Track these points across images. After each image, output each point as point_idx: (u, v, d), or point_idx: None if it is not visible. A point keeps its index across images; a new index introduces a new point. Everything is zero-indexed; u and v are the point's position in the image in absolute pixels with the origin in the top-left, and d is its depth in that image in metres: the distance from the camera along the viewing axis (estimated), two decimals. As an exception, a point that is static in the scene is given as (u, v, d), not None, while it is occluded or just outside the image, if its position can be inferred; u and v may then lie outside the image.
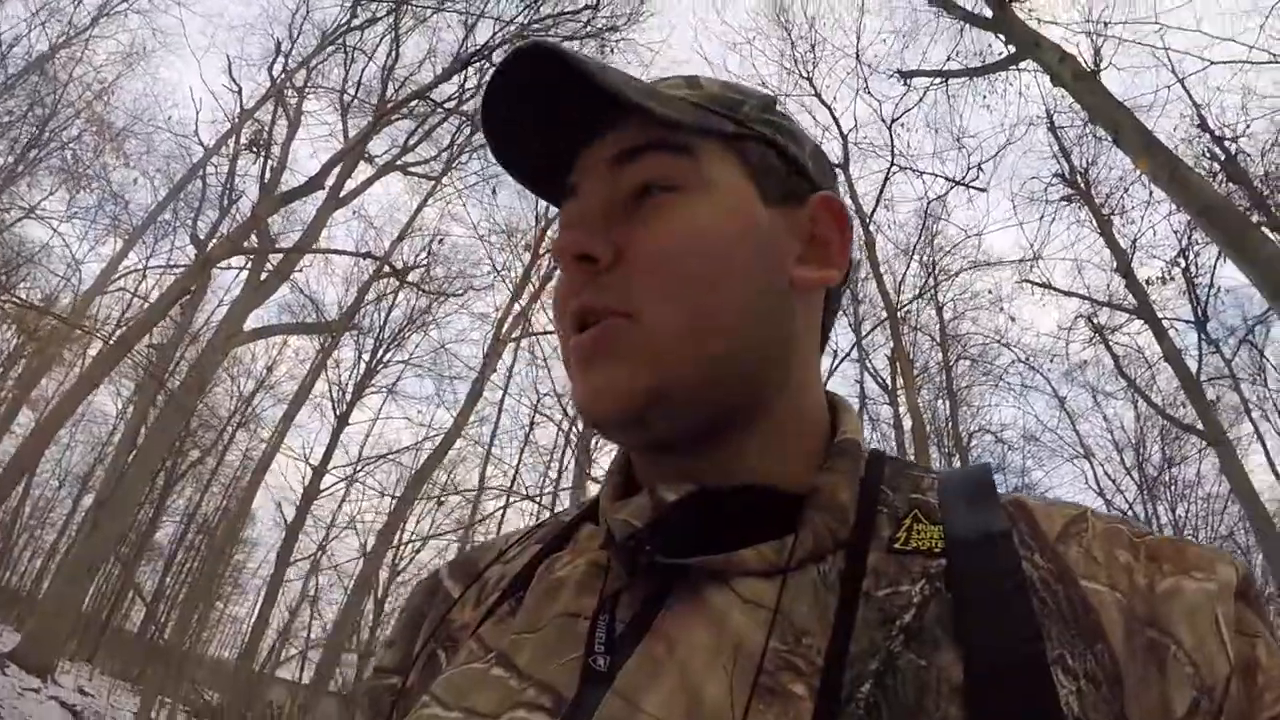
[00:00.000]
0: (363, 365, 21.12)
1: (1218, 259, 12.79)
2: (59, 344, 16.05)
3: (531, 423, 19.29)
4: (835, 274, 0.68)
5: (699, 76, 0.69)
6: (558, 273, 0.66)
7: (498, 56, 14.91)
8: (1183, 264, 13.56)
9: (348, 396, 20.97)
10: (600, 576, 0.61)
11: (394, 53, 15.78)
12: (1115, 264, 13.90)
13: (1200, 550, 0.56)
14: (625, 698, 0.51)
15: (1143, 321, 13.61)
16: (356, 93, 15.91)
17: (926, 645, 0.51)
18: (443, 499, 20.78)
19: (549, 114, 0.64)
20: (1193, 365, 12.82)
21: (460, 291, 19.17)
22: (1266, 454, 16.29)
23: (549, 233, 16.38)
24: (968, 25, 12.11)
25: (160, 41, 16.32)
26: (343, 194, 15.96)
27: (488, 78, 0.60)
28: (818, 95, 14.41)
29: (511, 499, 17.48)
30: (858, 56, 14.06)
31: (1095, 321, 15.19)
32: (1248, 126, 12.98)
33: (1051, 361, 16.80)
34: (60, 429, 15.81)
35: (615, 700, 0.51)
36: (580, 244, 0.60)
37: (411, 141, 16.35)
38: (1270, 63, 10.69)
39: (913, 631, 0.52)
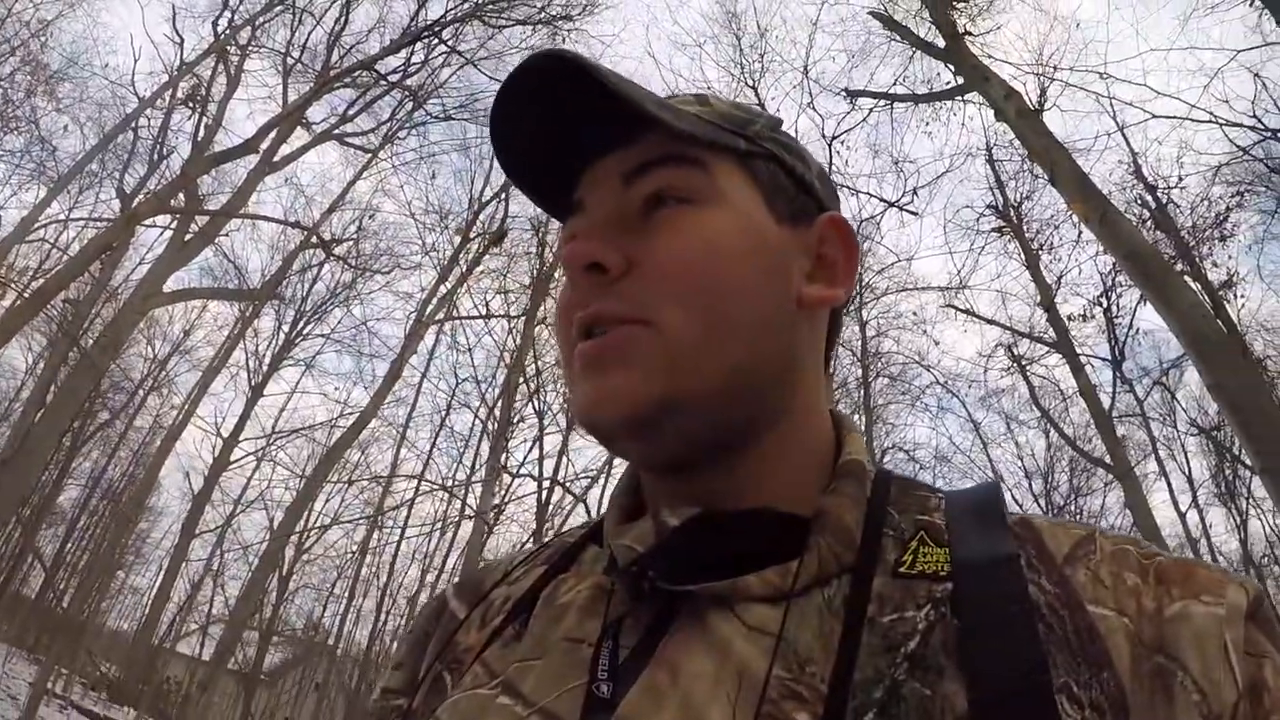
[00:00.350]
0: (282, 336, 21.01)
1: (1139, 302, 13.23)
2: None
3: (448, 408, 19.33)
4: (841, 293, 0.69)
5: (709, 95, 0.70)
6: (560, 282, 0.66)
7: (448, 34, 14.84)
8: (1104, 304, 14.07)
9: (264, 367, 20.84)
10: (604, 601, 0.61)
11: (343, 18, 15.51)
12: (1039, 298, 14.35)
13: (1210, 572, 0.55)
14: None
15: (1061, 355, 14.06)
16: (300, 56, 15.63)
17: (931, 673, 0.51)
18: (353, 480, 20.68)
19: (560, 123, 0.65)
20: (1106, 401, 13.36)
21: (387, 269, 19.02)
22: (1170, 491, 17.24)
23: (480, 217, 16.39)
24: (919, 52, 12.45)
25: (105, -16, 15.88)
26: (276, 159, 15.69)
27: (500, 80, 0.62)
28: (762, 105, 14.65)
29: (422, 486, 17.44)
30: (806, 71, 14.15)
31: (1015, 351, 15.67)
32: (1180, 180, 13.58)
33: (969, 386, 17.46)
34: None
35: None
36: (591, 253, 0.60)
37: (351, 112, 16.15)
38: (1208, 122, 11.21)
39: (917, 659, 0.52)
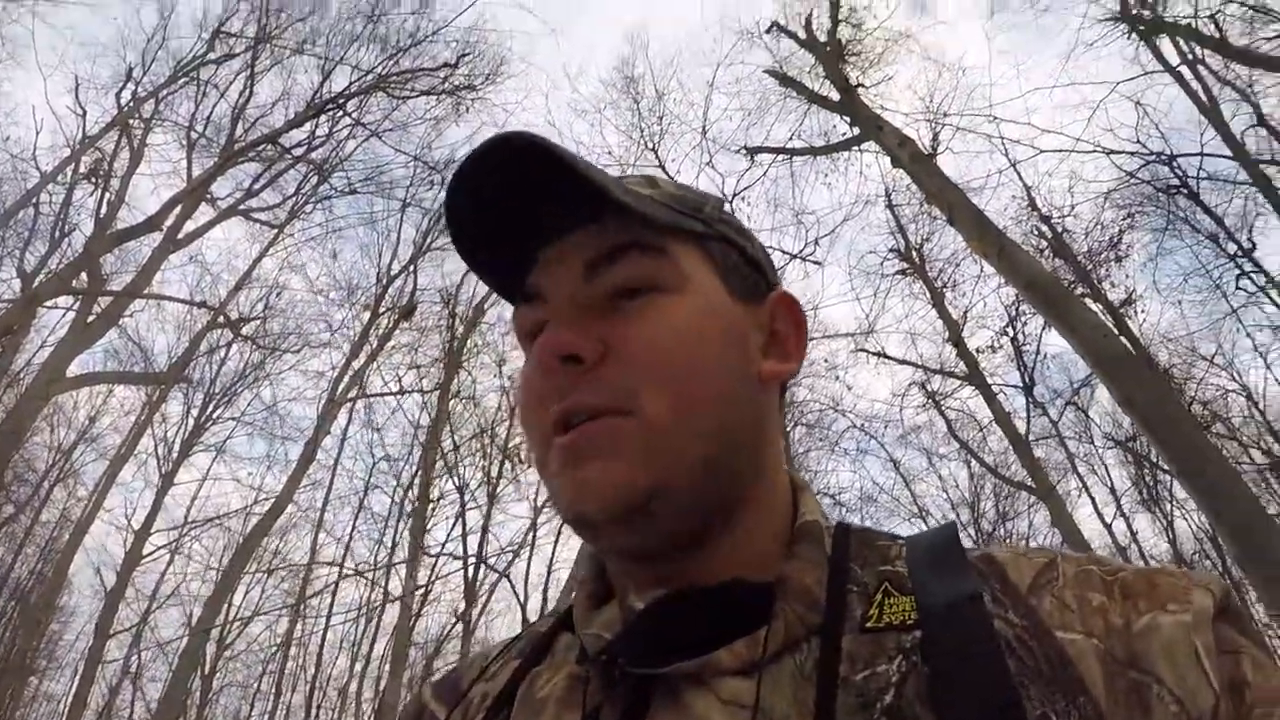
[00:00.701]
0: (191, 421, 20.49)
1: (1043, 328, 13.90)
2: None
3: (366, 489, 19.20)
4: (795, 366, 0.73)
5: (655, 177, 0.72)
6: (525, 371, 0.67)
7: (352, 106, 15.11)
8: (1011, 333, 14.78)
9: (174, 454, 20.30)
10: (580, 690, 0.62)
11: (248, 91, 15.63)
12: (947, 334, 14.91)
13: (1173, 579, 0.57)
14: None
15: (973, 387, 14.59)
16: (205, 130, 15.72)
17: None
18: (272, 569, 20.24)
19: (519, 202, 0.66)
20: (1021, 426, 13.84)
21: (296, 348, 18.91)
22: (1094, 504, 17.79)
23: (389, 291, 16.49)
24: (814, 106, 13.09)
25: (7, 52, 15.77)
26: (180, 236, 15.61)
27: (458, 160, 0.64)
28: (662, 167, 15.04)
29: (343, 573, 17.16)
30: (704, 131, 14.68)
31: (928, 388, 16.16)
32: (1073, 208, 14.34)
33: (886, 427, 17.61)
34: None
35: None
36: (570, 343, 0.61)
37: (256, 186, 16.18)
38: (1094, 152, 11.98)
39: (894, 712, 0.52)
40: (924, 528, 0.68)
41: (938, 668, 0.54)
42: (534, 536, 16.09)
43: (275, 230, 17.23)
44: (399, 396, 17.14)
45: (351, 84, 15.09)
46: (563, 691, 0.63)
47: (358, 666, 20.11)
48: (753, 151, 13.82)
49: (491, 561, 14.94)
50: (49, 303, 13.86)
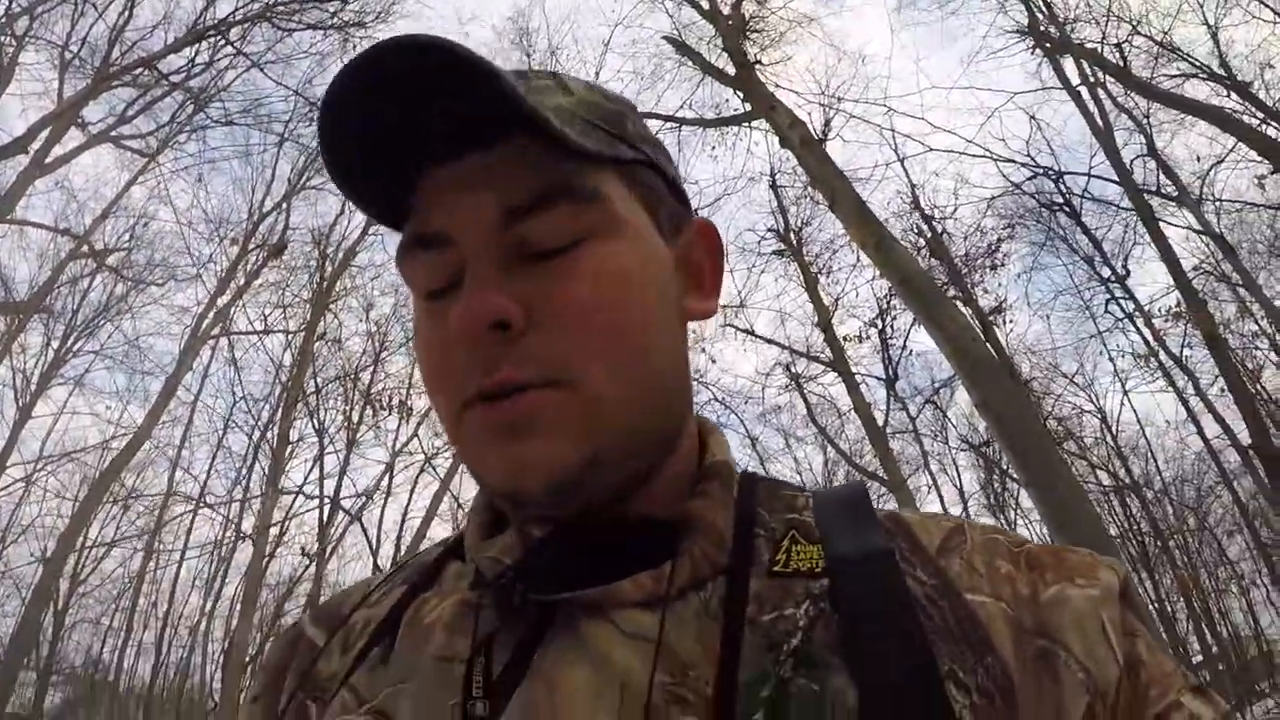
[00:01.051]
0: (51, 353, 19.95)
1: (912, 325, 14.33)
2: None
3: (226, 428, 19.14)
4: (715, 304, 0.69)
5: (562, 75, 0.66)
6: (432, 330, 0.61)
7: (235, 34, 14.79)
8: (879, 325, 15.23)
9: (33, 386, 19.78)
10: (471, 617, 0.59)
11: (127, 12, 15.11)
12: (817, 319, 15.26)
13: (1079, 557, 0.58)
14: None
15: (837, 374, 14.91)
16: (79, 51, 15.24)
17: (818, 669, 0.51)
18: (128, 504, 20.08)
19: (404, 116, 0.59)
20: (880, 418, 14.32)
21: (161, 281, 18.64)
22: (941, 502, 18.94)
23: (260, 228, 16.42)
24: (708, 78, 13.15)
25: None
26: (48, 160, 15.12)
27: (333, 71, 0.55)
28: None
29: (199, 506, 17.23)
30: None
31: (793, 370, 16.57)
32: (955, 210, 15.13)
33: (747, 404, 18.04)
34: None
35: None
36: (498, 309, 0.55)
37: (130, 113, 15.82)
38: (984, 157, 12.58)
39: (802, 655, 0.52)
40: None
41: (849, 616, 0.54)
42: (389, 483, 16.42)
43: (147, 159, 16.91)
44: (263, 335, 17.19)
45: (236, 11, 14.68)
46: (452, 617, 0.61)
47: (209, 605, 20.15)
48: (642, 116, 13.91)
49: (346, 505, 15.07)
50: None
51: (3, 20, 14.56)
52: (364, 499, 15.61)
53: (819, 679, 0.51)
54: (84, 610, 21.12)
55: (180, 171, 17.63)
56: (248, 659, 14.19)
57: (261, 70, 15.49)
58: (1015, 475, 10.18)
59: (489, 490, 0.62)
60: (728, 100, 13.70)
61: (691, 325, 0.70)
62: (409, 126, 0.59)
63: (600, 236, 0.59)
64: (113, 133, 16.09)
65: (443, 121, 0.59)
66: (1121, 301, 15.40)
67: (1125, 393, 18.02)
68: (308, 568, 15.94)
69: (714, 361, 18.53)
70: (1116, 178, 12.93)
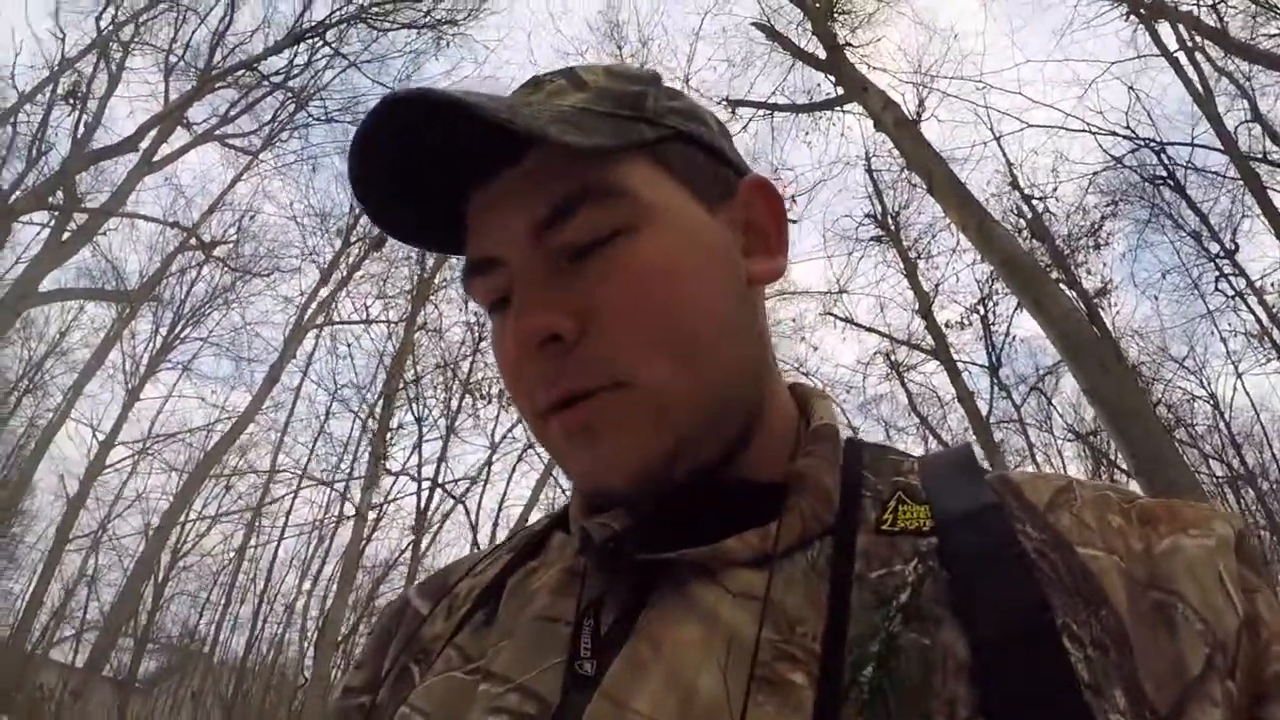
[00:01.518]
0: (159, 339, 21.03)
1: (1015, 309, 13.91)
2: None
3: (328, 413, 19.78)
4: (783, 260, 0.69)
5: (577, 70, 0.66)
6: (501, 345, 0.63)
7: (332, 35, 15.35)
8: (981, 311, 14.75)
9: (141, 370, 20.88)
10: (577, 583, 0.61)
11: (228, 18, 15.79)
12: (917, 305, 14.98)
13: (1194, 509, 0.57)
14: (613, 700, 0.51)
15: (939, 362, 14.70)
16: (184, 55, 15.91)
17: (928, 623, 0.51)
18: (231, 483, 21.02)
19: (431, 159, 0.62)
20: (983, 407, 13.94)
21: (267, 272, 19.42)
22: None
23: (361, 220, 16.67)
24: (799, 63, 13.06)
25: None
26: (156, 159, 16.06)
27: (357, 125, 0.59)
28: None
29: (304, 484, 17.97)
30: (687, 80, 14.63)
31: (893, 359, 16.34)
32: (1055, 189, 14.47)
33: (848, 393, 17.79)
34: None
35: (602, 703, 0.51)
36: (545, 326, 0.57)
37: (233, 113, 16.55)
38: (1083, 131, 12.00)
39: (911, 611, 0.52)
40: None
41: (959, 570, 0.54)
42: (489, 471, 16.80)
43: (250, 156, 17.63)
44: (366, 325, 17.67)
45: (332, 13, 15.31)
46: (557, 583, 0.63)
47: (306, 584, 21.00)
48: (734, 104, 13.72)
49: (448, 487, 15.48)
50: (24, 218, 14.35)
51: (110, 28, 15.31)
52: (466, 483, 16.05)
53: (929, 633, 0.51)
54: (183, 583, 22.18)
55: (283, 167, 18.46)
56: (340, 638, 14.71)
57: (358, 69, 16.14)
58: (1124, 465, 9.68)
59: (578, 488, 0.65)
60: (819, 85, 13.55)
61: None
62: (442, 157, 0.63)
63: (632, 229, 0.60)
64: (217, 132, 16.79)
65: (474, 143, 0.61)
66: (1231, 279, 14.56)
67: (1238, 376, 17.10)
68: (404, 551, 16.38)
69: (815, 349, 18.10)
70: (1221, 146, 12.49)
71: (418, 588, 0.80)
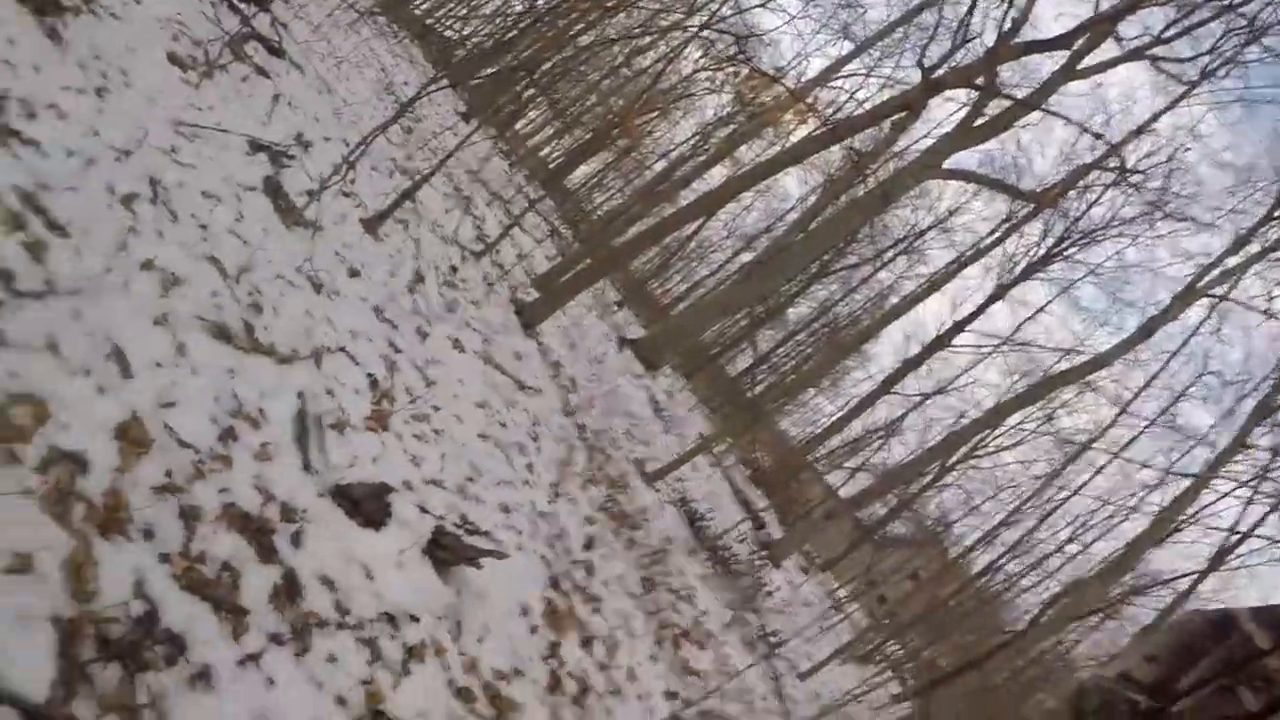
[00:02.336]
0: (1043, 248, 21.22)
1: None
2: (773, 116, 18.73)
3: (1180, 395, 17.70)
4: None
5: None
6: None
7: None
8: None
9: (1016, 272, 21.60)
10: None
11: None
12: None
13: None
14: None
15: None
16: None
17: None
18: (1054, 413, 20.78)
19: None
20: None
21: (1180, 216, 17.85)
22: None
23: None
24: None
25: None
26: (1081, 65, 15.80)
27: None
28: None
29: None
30: None
31: None
32: None
33: None
34: (746, 190, 18.83)
35: None
36: None
37: (1169, 33, 15.23)
38: None
39: None
40: None
41: None
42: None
43: (1186, 87, 16.31)
44: (1266, 316, 15.70)
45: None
46: None
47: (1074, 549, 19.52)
48: None
49: None
50: (944, 95, 15.17)
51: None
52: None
53: None
54: (966, 479, 22.63)
55: (1217, 106, 16.98)
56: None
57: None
58: None
59: None
60: None
61: None
62: None
63: None
64: (1148, 51, 15.83)
65: None
66: None
67: None
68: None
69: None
70: None
71: (1253, 612, 0.75)
